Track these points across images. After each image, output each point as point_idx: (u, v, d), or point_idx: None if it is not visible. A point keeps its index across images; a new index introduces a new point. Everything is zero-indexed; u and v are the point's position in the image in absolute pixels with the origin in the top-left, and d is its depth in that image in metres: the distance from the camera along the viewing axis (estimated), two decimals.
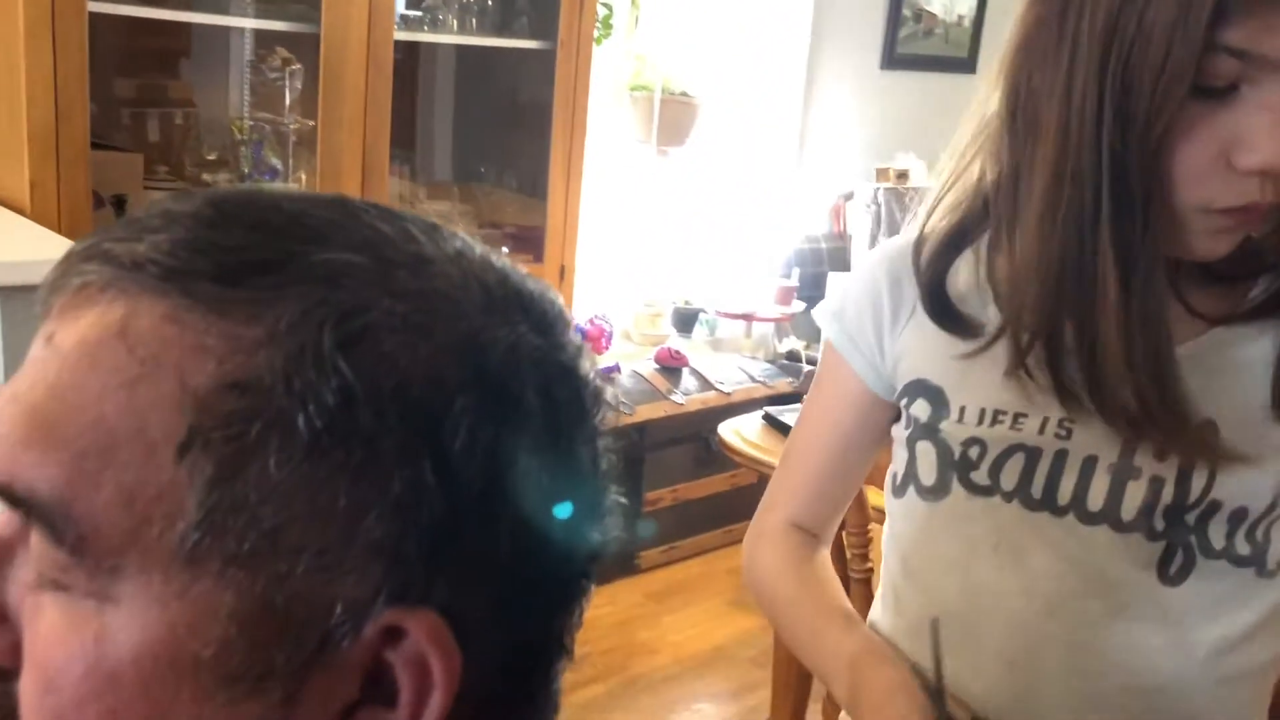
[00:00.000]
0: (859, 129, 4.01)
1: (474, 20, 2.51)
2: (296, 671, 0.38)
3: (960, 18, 4.29)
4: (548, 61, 2.52)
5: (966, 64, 4.38)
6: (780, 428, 2.00)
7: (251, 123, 2.51)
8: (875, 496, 1.59)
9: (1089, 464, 0.79)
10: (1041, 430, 0.80)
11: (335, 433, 0.37)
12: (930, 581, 0.87)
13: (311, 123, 2.39)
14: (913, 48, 4.13)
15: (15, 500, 0.38)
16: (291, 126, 2.48)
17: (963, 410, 0.83)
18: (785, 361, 3.46)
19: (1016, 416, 0.81)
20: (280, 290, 0.38)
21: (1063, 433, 0.80)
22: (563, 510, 0.42)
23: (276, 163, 2.49)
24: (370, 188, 2.31)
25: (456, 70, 2.77)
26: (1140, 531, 0.78)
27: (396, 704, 0.39)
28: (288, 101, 2.45)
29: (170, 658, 0.37)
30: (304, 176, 2.46)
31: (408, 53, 2.47)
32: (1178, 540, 0.77)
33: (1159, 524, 0.77)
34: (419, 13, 2.43)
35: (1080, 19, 0.70)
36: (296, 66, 2.41)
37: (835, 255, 3.91)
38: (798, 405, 1.76)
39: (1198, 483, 0.76)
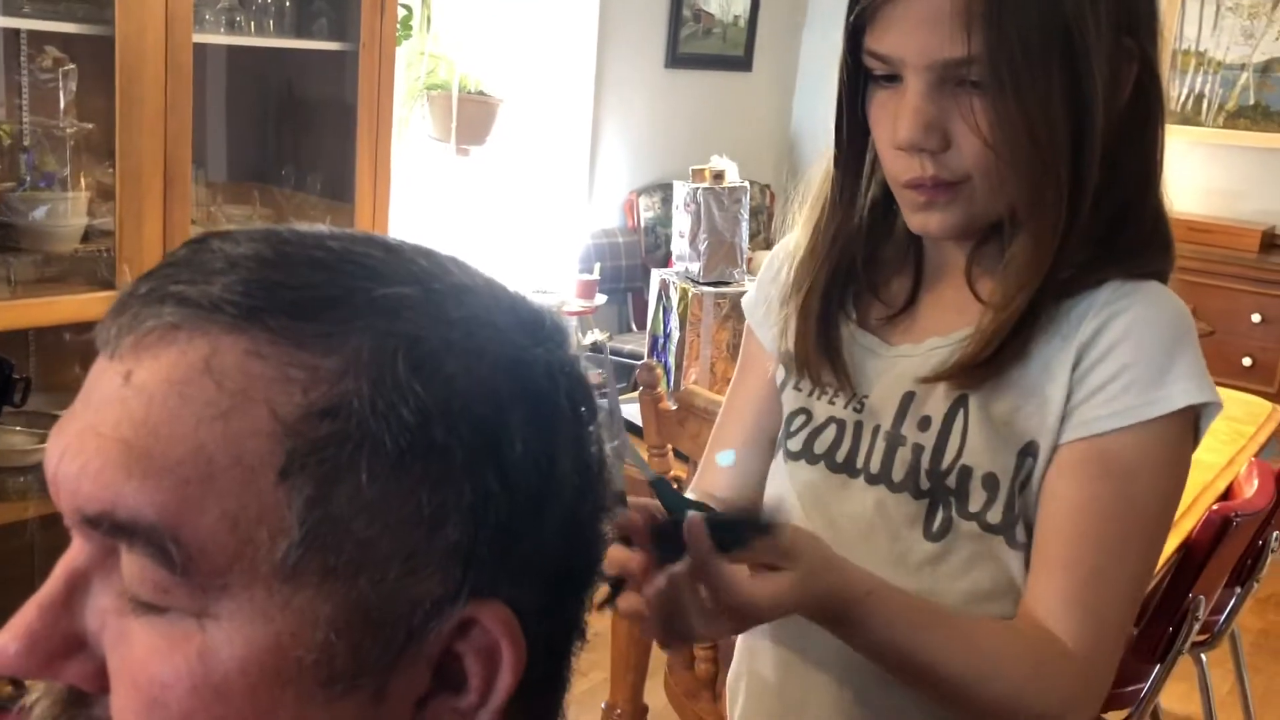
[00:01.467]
0: (646, 125, 4.13)
1: (271, 22, 2.45)
2: (386, 667, 0.42)
3: (736, 18, 4.48)
4: (349, 63, 2.50)
5: (743, 62, 4.58)
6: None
7: (20, 127, 2.36)
8: None
9: (874, 433, 0.89)
10: (847, 404, 0.91)
11: (416, 449, 0.41)
12: None
13: (90, 126, 2.29)
14: (693, 47, 4.29)
15: (118, 526, 0.40)
16: (69, 130, 2.36)
17: (799, 380, 0.94)
18: (591, 353, 3.54)
19: (835, 391, 0.92)
20: (350, 324, 0.41)
21: (858, 405, 0.90)
22: (589, 504, 0.47)
23: (55, 168, 2.36)
24: (173, 194, 2.23)
25: (254, 72, 2.69)
26: (908, 491, 0.87)
27: (464, 690, 0.43)
28: (62, 104, 2.32)
29: (276, 666, 0.40)
30: (84, 183, 2.34)
31: (203, 55, 2.39)
32: (939, 500, 0.86)
33: (924, 484, 0.86)
34: (215, 15, 2.36)
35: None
36: (70, 67, 2.29)
37: (630, 248, 4.02)
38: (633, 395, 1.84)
39: (951, 450, 0.85)
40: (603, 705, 2.01)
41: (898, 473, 0.87)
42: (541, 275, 3.66)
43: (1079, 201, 0.79)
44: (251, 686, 0.40)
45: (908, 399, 0.87)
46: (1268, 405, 2.43)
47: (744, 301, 1.05)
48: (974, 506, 0.85)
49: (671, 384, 1.93)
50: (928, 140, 0.79)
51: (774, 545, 0.73)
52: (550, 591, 0.46)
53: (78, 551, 0.43)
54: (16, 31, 2.25)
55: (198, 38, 2.21)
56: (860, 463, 0.89)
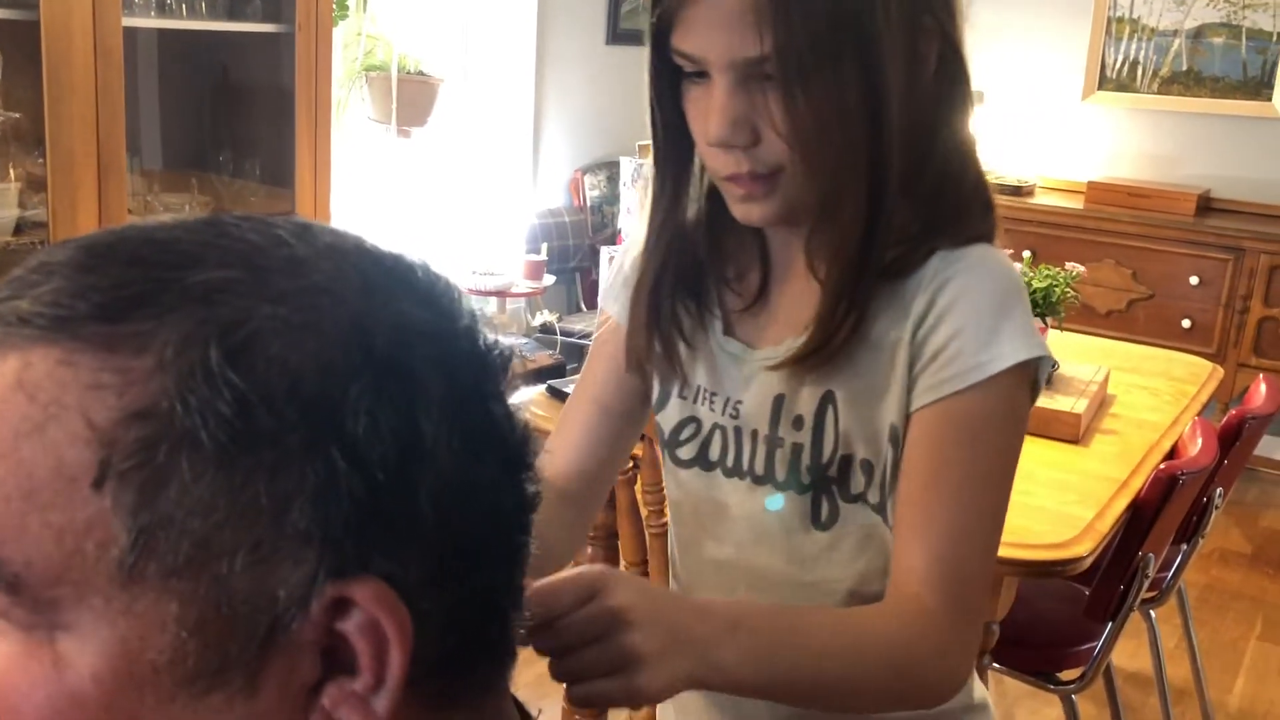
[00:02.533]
0: (590, 102, 4.11)
1: (204, 5, 2.40)
2: (252, 659, 0.41)
3: None
4: (285, 45, 2.45)
5: None
6: (562, 398, 2.07)
7: None
8: None
9: (753, 437, 0.91)
10: (724, 410, 0.93)
11: (240, 440, 0.39)
12: (674, 529, 1.01)
13: (18, 115, 2.22)
14: (635, 22, 4.26)
15: None
16: None
17: (683, 388, 0.95)
18: (541, 334, 3.52)
19: (711, 396, 0.93)
20: (160, 318, 0.40)
21: (734, 412, 0.92)
22: (481, 468, 0.45)
23: None
24: (108, 183, 2.18)
25: (188, 57, 2.63)
26: (793, 488, 0.90)
27: (358, 670, 0.42)
28: None
29: (129, 671, 0.40)
30: (13, 174, 2.28)
31: (134, 40, 2.34)
32: (822, 490, 0.89)
33: (805, 479, 0.89)
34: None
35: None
36: None
37: (577, 227, 4.00)
38: (572, 378, 1.82)
39: (828, 444, 0.88)
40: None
41: (780, 472, 0.90)
42: (488, 257, 3.63)
43: (883, 186, 0.81)
44: (107, 694, 0.40)
45: (778, 401, 0.89)
46: (1208, 365, 2.48)
47: (600, 297, 1.06)
48: (855, 489, 0.88)
49: None
50: (737, 137, 0.80)
51: (610, 653, 0.69)
52: (438, 561, 0.43)
53: None
54: None
55: (127, 21, 2.15)
56: (746, 466, 0.92)
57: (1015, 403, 0.84)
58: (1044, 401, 1.98)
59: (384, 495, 0.41)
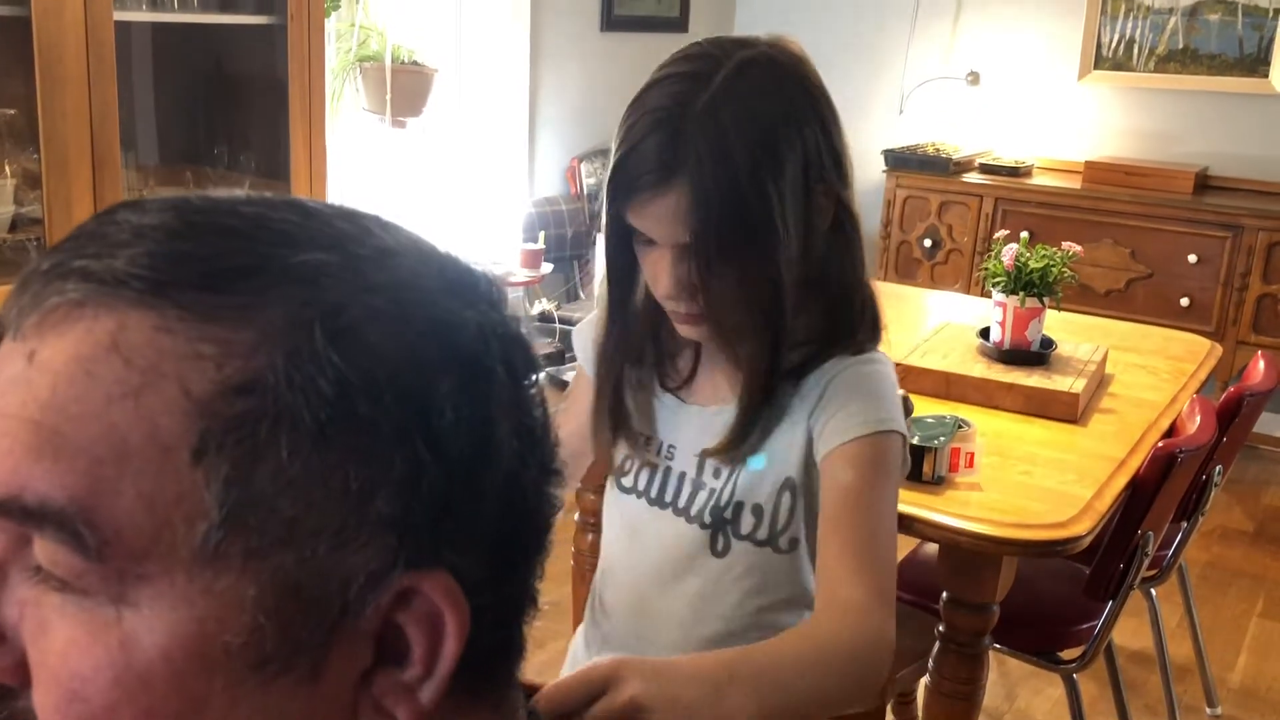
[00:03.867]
0: (585, 89, 4.10)
1: None
2: (320, 645, 0.40)
3: None
4: (278, 37, 2.45)
5: (678, 23, 4.56)
6: (561, 386, 2.07)
7: None
8: None
9: (681, 478, 1.15)
10: (658, 453, 1.16)
11: (337, 423, 0.39)
12: (604, 549, 1.25)
13: (11, 111, 2.22)
14: (629, 9, 4.25)
15: (26, 512, 0.38)
16: None
17: (630, 431, 1.17)
18: (539, 323, 3.52)
19: (647, 439, 1.17)
20: (264, 294, 0.40)
21: (669, 454, 1.16)
22: (531, 469, 0.46)
23: None
24: (102, 178, 2.17)
25: (180, 50, 2.63)
26: (698, 523, 1.14)
27: (408, 662, 0.42)
28: None
29: (201, 652, 0.39)
30: (8, 170, 2.28)
31: (127, 34, 2.33)
32: (719, 528, 1.13)
33: (707, 519, 1.13)
34: None
35: None
36: None
37: (574, 215, 4.00)
38: (570, 365, 1.83)
39: (729, 493, 1.12)
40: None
41: (695, 509, 1.14)
42: (485, 246, 3.63)
43: (781, 321, 1.05)
44: (177, 675, 0.39)
45: (703, 455, 1.13)
46: (1206, 343, 2.48)
47: (574, 340, 1.29)
48: (745, 530, 1.12)
49: None
50: (679, 295, 1.05)
51: None
52: (494, 559, 0.44)
53: None
54: None
55: (119, 15, 2.15)
56: (670, 499, 1.15)
57: (894, 456, 1.06)
58: (1041, 381, 1.98)
59: (458, 490, 0.42)
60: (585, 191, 4.02)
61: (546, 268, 3.62)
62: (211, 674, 0.39)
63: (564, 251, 3.92)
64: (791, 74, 1.05)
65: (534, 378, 0.48)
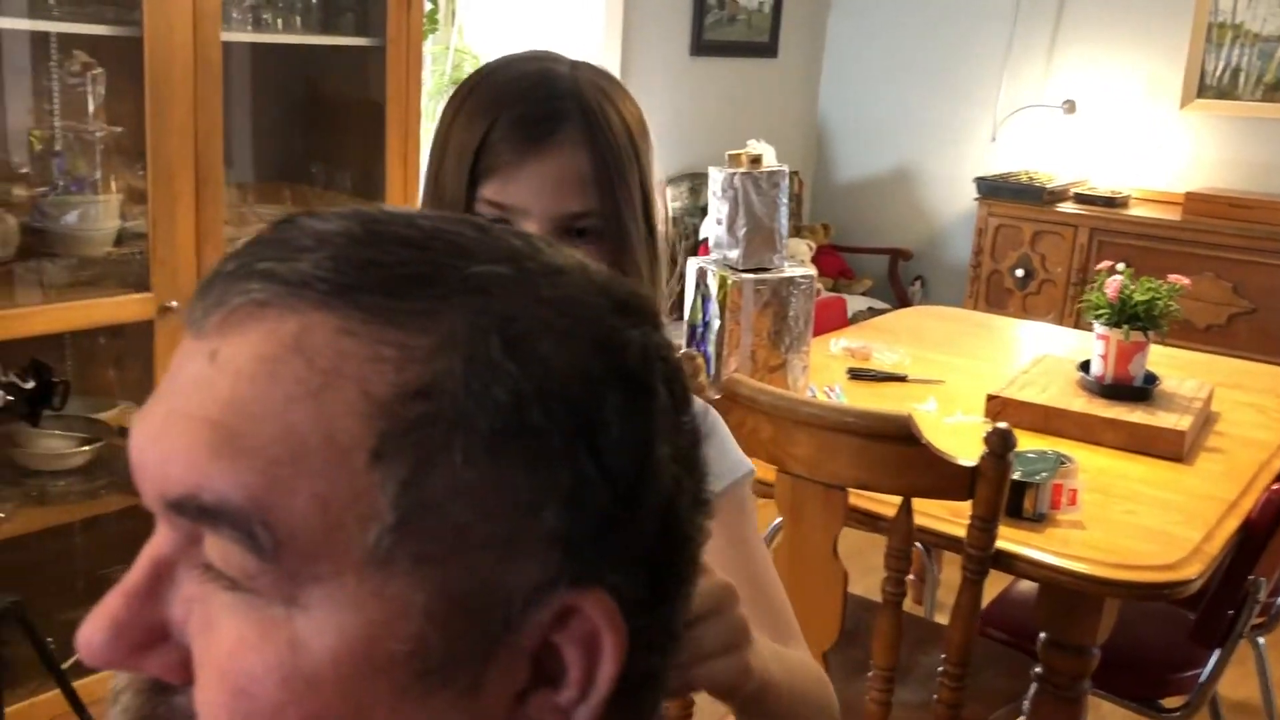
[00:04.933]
0: (673, 114, 4.10)
1: (298, 19, 2.44)
2: (480, 659, 0.40)
3: (761, 4, 4.44)
4: (376, 59, 2.49)
5: (768, 48, 4.55)
6: None
7: (51, 132, 2.36)
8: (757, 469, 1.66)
9: None
10: None
11: (511, 431, 0.39)
12: None
13: (120, 129, 2.28)
14: (718, 34, 4.25)
15: (203, 510, 0.38)
16: (99, 134, 2.36)
17: None
18: None
19: None
20: (444, 301, 0.40)
21: None
22: (686, 494, 0.45)
23: (86, 172, 2.36)
24: (204, 195, 2.22)
25: (281, 70, 2.68)
26: None
27: (563, 683, 0.42)
28: (91, 108, 2.32)
29: (368, 657, 0.38)
30: (114, 186, 2.34)
31: (230, 54, 2.39)
32: None
33: None
34: (242, 13, 2.35)
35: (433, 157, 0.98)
36: (99, 70, 2.29)
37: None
38: None
39: None
40: None
41: None
42: None
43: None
44: (343, 679, 0.38)
45: None
46: None
47: None
48: None
49: (712, 373, 1.90)
50: None
51: (726, 626, 0.70)
52: (651, 583, 0.44)
53: (162, 539, 0.41)
54: (45, 35, 2.24)
55: (225, 36, 2.20)
56: None
57: (753, 499, 1.02)
58: (1145, 418, 1.92)
59: (620, 507, 0.41)
60: (671, 214, 4.02)
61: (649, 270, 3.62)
62: (376, 680, 0.39)
63: None
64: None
65: (690, 406, 0.47)
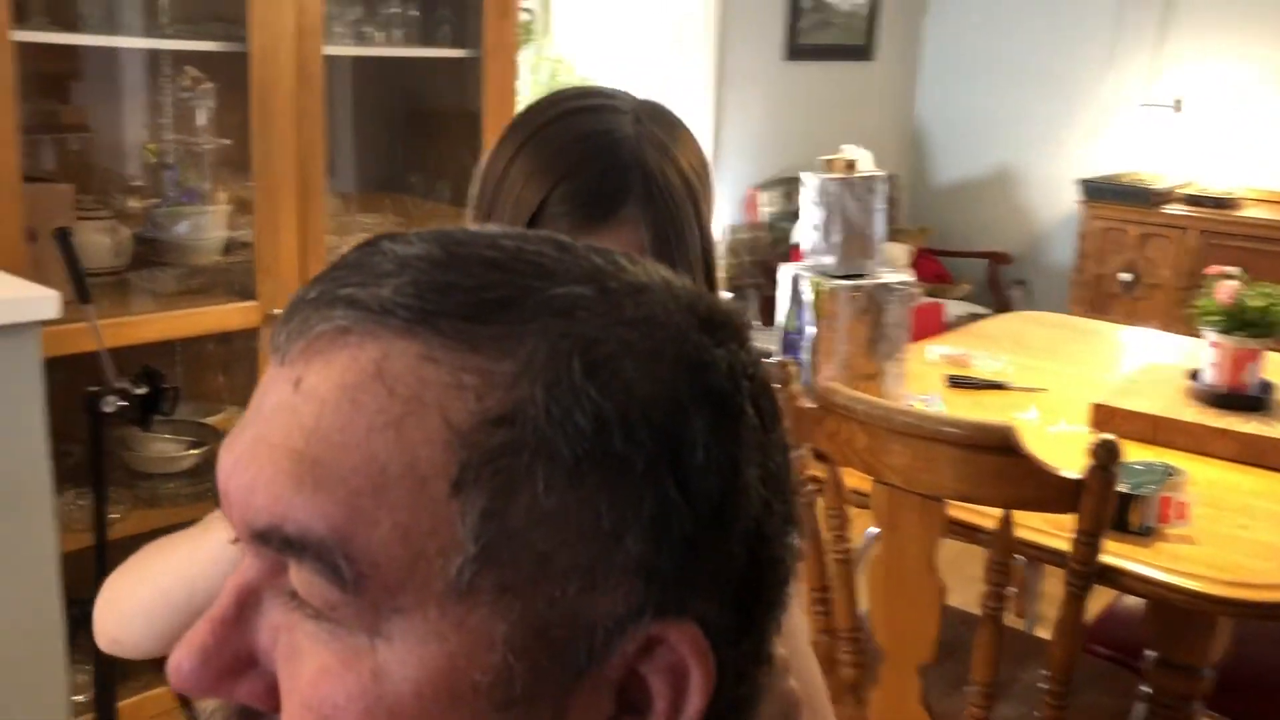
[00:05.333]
0: (766, 118, 4.08)
1: (399, 32, 2.49)
2: (563, 691, 0.39)
3: (856, 7, 4.40)
4: (472, 69, 2.52)
5: (863, 51, 4.50)
6: None
7: (163, 145, 2.45)
8: (852, 479, 1.64)
9: None
10: None
11: (593, 458, 0.38)
12: None
13: (227, 142, 2.35)
14: (813, 38, 4.22)
15: (287, 541, 0.39)
16: (208, 147, 2.43)
17: None
18: None
19: None
20: (525, 325, 0.39)
21: None
22: (775, 516, 0.44)
23: (196, 184, 2.44)
24: (308, 204, 2.28)
25: (380, 82, 2.74)
26: None
27: (649, 715, 0.41)
28: (201, 121, 2.39)
29: (450, 689, 0.38)
30: (222, 197, 2.41)
31: (332, 66, 2.44)
32: None
33: None
34: (344, 27, 2.41)
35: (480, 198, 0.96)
36: (208, 85, 2.37)
37: (752, 245, 3.98)
38: None
39: None
40: None
41: None
42: None
43: None
44: (425, 710, 0.38)
45: None
46: None
47: None
48: None
49: (807, 381, 1.89)
50: None
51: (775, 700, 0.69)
52: (739, 610, 0.43)
53: (249, 567, 0.42)
54: (159, 53, 2.33)
55: (327, 50, 2.25)
56: None
57: None
58: (1260, 428, 1.84)
59: (706, 535, 0.40)
60: (764, 220, 4.00)
61: (723, 297, 3.60)
62: (458, 711, 0.38)
63: (741, 280, 3.90)
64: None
65: (781, 423, 0.46)
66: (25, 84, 2.07)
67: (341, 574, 0.38)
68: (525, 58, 3.13)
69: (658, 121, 0.93)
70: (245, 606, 0.41)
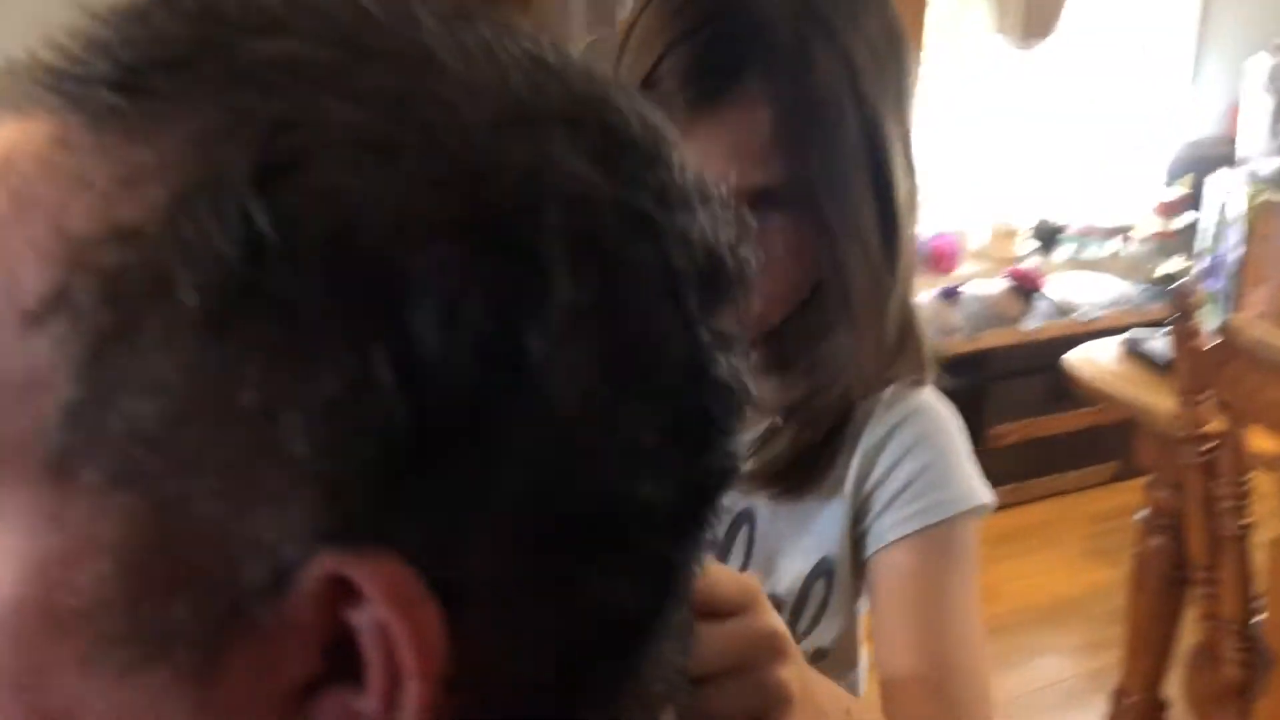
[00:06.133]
0: None
1: None
2: (210, 634, 0.28)
3: None
4: None
5: None
6: (1143, 358, 1.72)
7: None
8: (1259, 439, 1.35)
9: None
10: None
11: (237, 302, 0.27)
12: None
13: None
14: None
15: None
16: None
17: None
18: (1157, 285, 3.06)
19: None
20: (187, 97, 0.28)
21: None
22: (636, 429, 0.29)
23: None
24: None
25: None
26: None
27: (364, 687, 0.28)
28: None
29: (41, 606, 0.28)
30: None
31: None
32: None
33: None
34: None
35: None
36: None
37: (1220, 161, 3.39)
38: (1166, 330, 1.52)
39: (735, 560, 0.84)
40: (1111, 690, 1.74)
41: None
42: (1117, 190, 3.22)
43: (891, 293, 0.78)
44: (14, 629, 0.28)
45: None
46: None
47: None
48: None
49: (1225, 316, 1.56)
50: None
51: (758, 685, 0.56)
52: (551, 559, 0.29)
53: None
54: None
55: None
56: None
57: (971, 540, 0.83)
58: None
59: (451, 435, 0.28)
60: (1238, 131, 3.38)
61: (1187, 217, 3.11)
62: (54, 640, 0.28)
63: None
64: None
65: (698, 287, 0.30)
66: None
67: None
68: None
69: None
70: None
